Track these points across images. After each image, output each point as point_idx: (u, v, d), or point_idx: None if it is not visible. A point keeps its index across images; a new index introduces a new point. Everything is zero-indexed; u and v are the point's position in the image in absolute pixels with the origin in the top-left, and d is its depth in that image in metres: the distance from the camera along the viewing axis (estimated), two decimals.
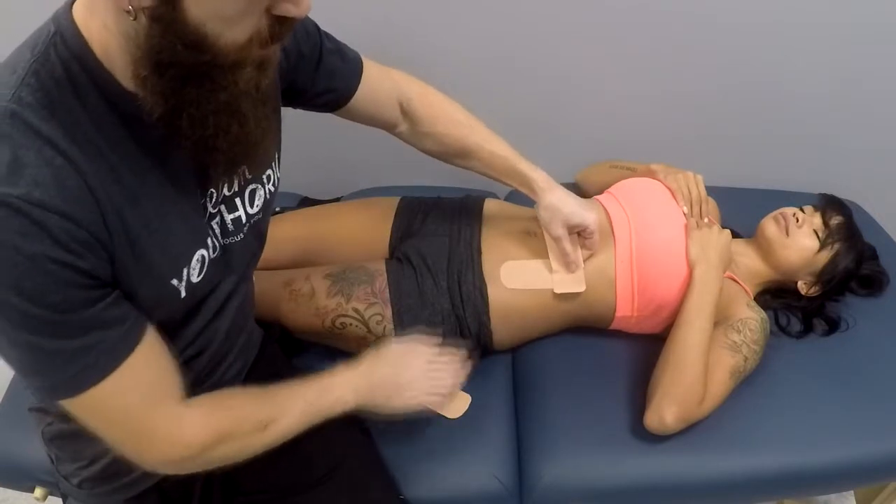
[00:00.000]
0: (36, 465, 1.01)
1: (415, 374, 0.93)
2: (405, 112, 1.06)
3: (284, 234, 1.22)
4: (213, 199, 0.76)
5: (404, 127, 1.08)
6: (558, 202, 1.07)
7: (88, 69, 0.60)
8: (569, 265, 1.11)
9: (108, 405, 0.67)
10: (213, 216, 0.77)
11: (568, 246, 1.09)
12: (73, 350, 0.62)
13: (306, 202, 1.48)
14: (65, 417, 0.83)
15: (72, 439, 0.85)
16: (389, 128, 1.08)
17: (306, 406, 0.84)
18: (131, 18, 0.55)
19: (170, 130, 0.62)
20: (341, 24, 0.96)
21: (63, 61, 0.60)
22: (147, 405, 0.70)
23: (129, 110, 0.61)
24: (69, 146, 0.59)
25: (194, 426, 0.74)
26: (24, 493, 1.10)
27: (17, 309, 0.58)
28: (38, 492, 1.07)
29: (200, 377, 0.86)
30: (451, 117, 1.08)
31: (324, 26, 0.94)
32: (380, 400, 0.90)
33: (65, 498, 0.94)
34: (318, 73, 0.92)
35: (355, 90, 0.98)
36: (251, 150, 0.68)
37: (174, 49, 0.55)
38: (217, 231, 0.77)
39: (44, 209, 0.57)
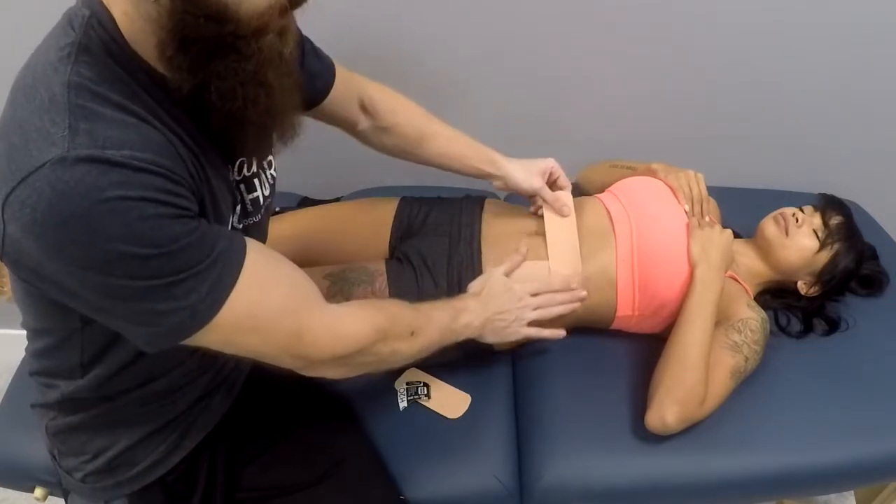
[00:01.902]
0: (36, 464, 1.01)
1: (522, 305, 1.04)
2: (365, 109, 1.09)
3: (284, 234, 1.22)
4: (234, 179, 0.79)
5: (366, 124, 1.11)
6: (522, 162, 1.17)
7: (125, 52, 0.62)
8: (562, 207, 1.16)
9: (252, 312, 0.68)
10: (236, 198, 0.79)
11: (550, 193, 1.16)
12: (196, 272, 0.62)
13: (306, 202, 1.48)
14: (69, 411, 0.84)
15: (76, 433, 0.86)
16: (350, 126, 1.11)
17: (446, 322, 0.92)
18: (152, 0, 0.57)
19: (199, 107, 0.64)
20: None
21: (104, 42, 0.62)
22: (294, 304, 0.72)
23: (159, 95, 0.64)
24: (138, 110, 0.62)
25: (355, 320, 0.78)
26: (24, 493, 1.10)
27: (130, 257, 0.58)
28: (38, 492, 1.07)
29: (205, 363, 0.87)
30: (410, 108, 1.13)
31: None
32: (494, 329, 1.02)
33: (66, 495, 0.94)
34: (302, 72, 0.93)
35: (330, 90, 1.01)
36: (279, 121, 0.70)
37: (197, 23, 0.57)
38: (238, 211, 0.80)
39: (139, 160, 0.58)
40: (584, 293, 1.10)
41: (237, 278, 0.66)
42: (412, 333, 0.86)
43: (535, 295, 1.07)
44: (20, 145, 0.58)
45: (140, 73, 0.63)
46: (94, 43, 0.62)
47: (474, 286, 1.07)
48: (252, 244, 0.70)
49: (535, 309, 1.06)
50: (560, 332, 1.10)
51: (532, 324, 1.07)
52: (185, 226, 0.61)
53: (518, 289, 1.06)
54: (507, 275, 1.08)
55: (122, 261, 0.58)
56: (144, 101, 0.63)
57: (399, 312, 0.86)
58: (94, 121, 0.58)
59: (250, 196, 0.82)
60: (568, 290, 1.10)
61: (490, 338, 1.04)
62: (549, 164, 1.19)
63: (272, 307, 0.70)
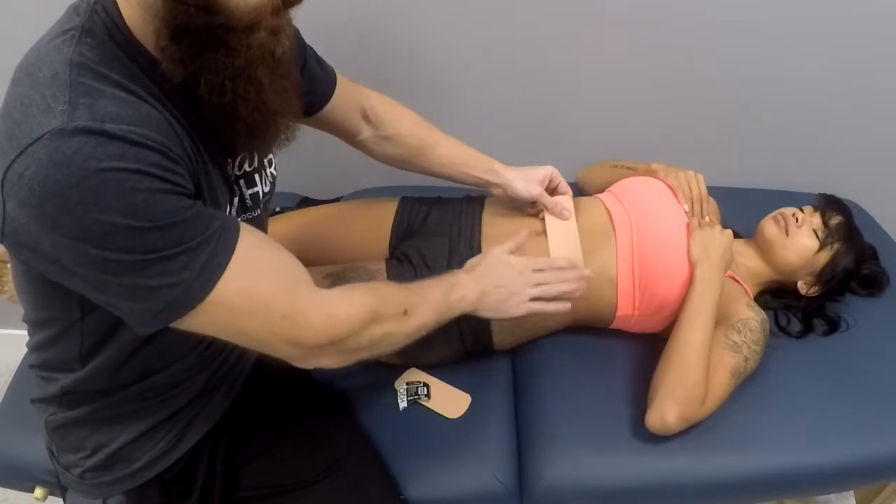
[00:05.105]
0: (36, 464, 1.01)
1: (523, 280, 1.00)
2: (367, 118, 1.10)
3: (284, 234, 1.22)
4: (234, 174, 0.79)
5: (368, 133, 1.11)
6: (521, 170, 1.17)
7: (126, 37, 0.64)
8: (562, 212, 1.16)
9: (245, 293, 0.68)
10: (234, 190, 0.80)
11: (549, 199, 1.17)
12: (190, 248, 0.63)
13: (306, 202, 1.48)
14: (68, 405, 0.84)
15: (75, 428, 0.86)
16: (352, 135, 1.11)
17: (440, 298, 0.90)
18: None
19: (190, 99, 0.66)
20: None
21: (107, 27, 0.64)
22: (286, 288, 0.72)
23: (159, 79, 0.65)
24: (138, 90, 0.63)
25: (347, 303, 0.77)
26: (24, 493, 1.10)
27: (124, 229, 0.59)
28: (38, 492, 1.07)
29: (206, 358, 0.87)
30: (412, 118, 1.14)
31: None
32: (492, 303, 0.97)
33: (64, 492, 0.94)
34: (303, 77, 0.93)
35: (331, 97, 1.01)
36: (271, 119, 0.70)
37: (188, 12, 0.59)
38: (236, 204, 0.80)
39: (137, 134, 0.59)
40: (589, 271, 1.07)
41: (231, 257, 0.66)
42: (405, 312, 0.84)
43: (538, 271, 1.04)
44: (21, 121, 0.59)
45: (140, 58, 0.65)
46: (98, 27, 0.64)
47: (471, 262, 1.04)
48: (245, 227, 0.70)
49: (536, 285, 1.02)
50: (566, 305, 1.04)
51: (534, 301, 1.02)
52: (180, 202, 0.62)
53: (518, 263, 1.02)
54: (511, 253, 1.05)
55: (116, 233, 0.59)
56: (144, 83, 0.65)
57: (391, 293, 0.85)
58: (94, 97, 0.60)
59: (250, 191, 0.82)
60: (572, 269, 1.06)
61: (489, 313, 0.99)
62: (549, 171, 1.19)
63: (265, 288, 0.70)
